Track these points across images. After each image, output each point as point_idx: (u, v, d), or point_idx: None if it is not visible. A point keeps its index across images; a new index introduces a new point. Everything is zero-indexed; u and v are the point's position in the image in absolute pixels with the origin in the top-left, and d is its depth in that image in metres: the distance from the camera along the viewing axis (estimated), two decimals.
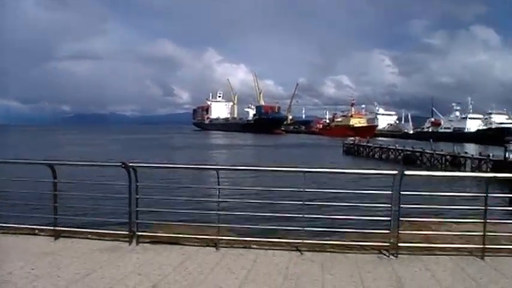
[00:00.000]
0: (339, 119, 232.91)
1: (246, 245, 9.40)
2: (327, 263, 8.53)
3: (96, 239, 9.85)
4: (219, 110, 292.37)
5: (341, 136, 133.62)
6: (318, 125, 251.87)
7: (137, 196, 9.45)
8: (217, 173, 9.44)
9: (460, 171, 62.01)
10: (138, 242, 9.53)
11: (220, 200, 9.57)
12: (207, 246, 9.38)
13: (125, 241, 9.60)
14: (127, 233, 9.62)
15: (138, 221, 9.60)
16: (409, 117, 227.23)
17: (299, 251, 9.12)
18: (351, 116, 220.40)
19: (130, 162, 9.41)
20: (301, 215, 9.32)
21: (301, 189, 9.22)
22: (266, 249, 9.23)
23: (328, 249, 9.22)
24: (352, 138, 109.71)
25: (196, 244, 9.48)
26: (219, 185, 9.42)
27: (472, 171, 60.68)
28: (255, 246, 9.36)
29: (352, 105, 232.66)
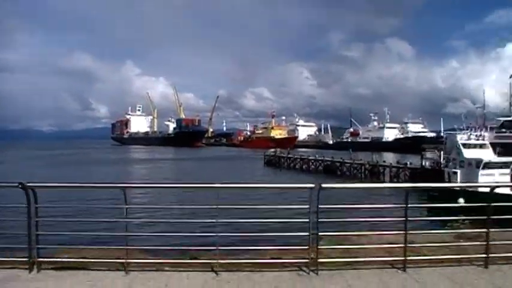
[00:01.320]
0: (260, 131, 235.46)
1: (158, 268, 8.78)
2: (244, 283, 8.09)
3: None
4: (139, 124, 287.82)
5: (262, 148, 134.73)
6: (239, 137, 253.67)
7: (37, 219, 8.66)
8: (124, 192, 8.75)
9: (379, 179, 63.87)
10: (39, 269, 8.71)
11: (128, 219, 8.91)
12: (116, 270, 8.68)
13: (24, 269, 8.74)
14: (26, 259, 8.77)
15: (39, 246, 8.80)
16: (329, 127, 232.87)
17: (214, 271, 8.60)
18: (272, 128, 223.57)
19: (29, 182, 8.60)
20: (215, 234, 8.82)
21: (215, 206, 8.72)
22: (180, 270, 8.65)
23: (245, 269, 8.76)
24: (273, 149, 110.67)
25: (104, 268, 8.76)
26: (126, 203, 8.74)
27: (391, 179, 62.65)
28: (167, 268, 8.76)
29: (273, 117, 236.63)
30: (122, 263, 8.73)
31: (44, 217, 9.01)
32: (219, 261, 8.72)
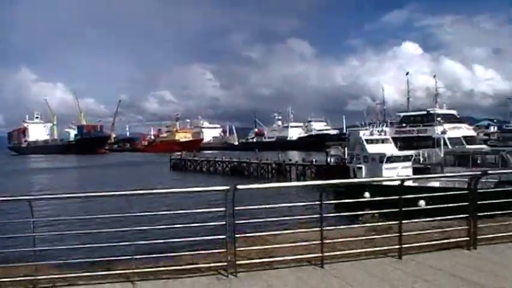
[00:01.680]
0: (164, 135, 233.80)
1: (71, 282, 8.35)
2: None
3: None
4: (38, 132, 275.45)
5: (167, 152, 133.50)
6: (144, 142, 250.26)
7: None
8: (31, 204, 8.28)
9: (286, 178, 64.95)
10: None
11: (35, 234, 8.44)
12: None
13: None
14: None
15: None
16: (234, 129, 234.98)
17: (130, 281, 8.30)
18: (176, 131, 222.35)
19: None
20: (129, 242, 8.54)
21: (128, 214, 8.43)
22: (94, 283, 8.27)
23: (162, 276, 8.50)
24: (178, 153, 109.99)
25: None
26: (33, 217, 8.26)
27: (297, 177, 63.92)
28: (81, 282, 8.33)
29: (177, 120, 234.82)
30: (31, 280, 8.25)
31: None
32: (135, 270, 8.43)
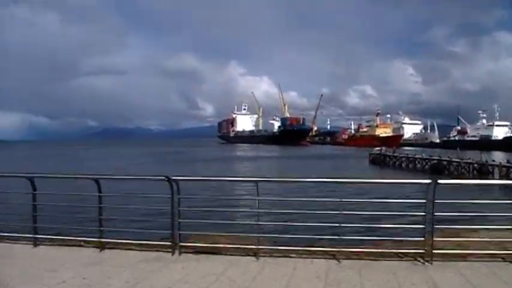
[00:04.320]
0: (365, 129, 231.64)
1: (285, 254, 9.68)
2: (364, 270, 8.78)
3: (139, 250, 10.17)
4: (244, 123, 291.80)
5: (367, 146, 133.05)
6: (344, 136, 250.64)
7: (179, 208, 9.80)
8: (257, 185, 9.72)
9: (488, 179, 61.80)
10: (180, 253, 9.87)
11: (259, 210, 9.89)
12: (247, 255, 9.68)
13: (167, 251, 9.95)
14: (170, 243, 9.96)
15: (181, 232, 9.94)
16: (435, 125, 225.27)
17: (336, 259, 9.38)
18: (377, 126, 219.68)
19: (173, 176, 9.75)
20: (338, 224, 9.61)
21: (338, 199, 9.52)
22: (304, 257, 9.50)
23: (364, 257, 9.46)
24: (378, 148, 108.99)
25: (236, 254, 9.79)
26: (258, 196, 9.71)
27: (500, 179, 60.37)
28: (293, 255, 9.63)
29: (377, 115, 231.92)
30: (253, 249, 9.72)
31: (185, 207, 10.11)
32: (341, 249, 9.50)
